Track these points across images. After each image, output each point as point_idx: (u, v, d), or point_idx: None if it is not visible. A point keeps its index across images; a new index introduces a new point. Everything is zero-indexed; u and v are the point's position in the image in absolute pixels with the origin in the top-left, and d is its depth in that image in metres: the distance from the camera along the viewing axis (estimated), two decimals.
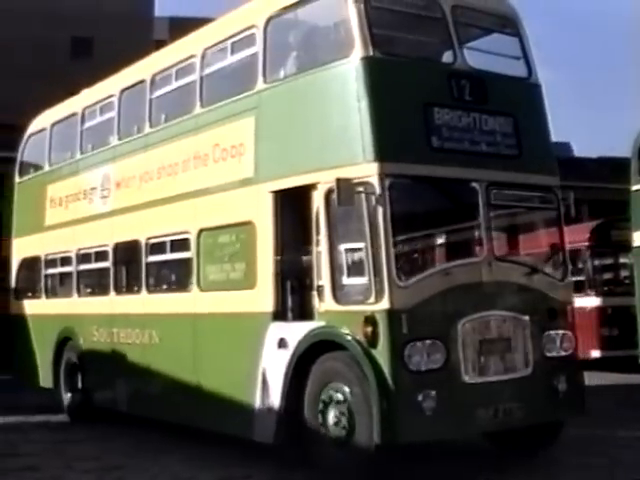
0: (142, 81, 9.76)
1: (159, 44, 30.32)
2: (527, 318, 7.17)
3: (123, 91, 10.22)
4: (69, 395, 11.00)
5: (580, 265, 15.01)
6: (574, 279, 14.55)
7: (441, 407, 6.53)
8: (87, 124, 11.04)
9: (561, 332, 7.45)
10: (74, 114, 11.34)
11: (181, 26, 14.92)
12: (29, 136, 12.74)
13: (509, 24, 7.97)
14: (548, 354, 7.33)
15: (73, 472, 7.62)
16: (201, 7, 30.93)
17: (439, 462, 7.62)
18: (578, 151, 36.39)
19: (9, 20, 31.34)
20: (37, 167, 12.39)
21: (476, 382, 6.83)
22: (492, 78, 7.50)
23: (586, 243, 14.97)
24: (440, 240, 7.56)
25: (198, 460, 8.01)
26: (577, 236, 15.31)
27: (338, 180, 6.59)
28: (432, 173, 6.89)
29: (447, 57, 7.45)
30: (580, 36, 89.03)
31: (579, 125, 74.90)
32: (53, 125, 12.00)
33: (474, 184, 7.09)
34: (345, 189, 6.57)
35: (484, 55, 7.71)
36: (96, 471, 7.60)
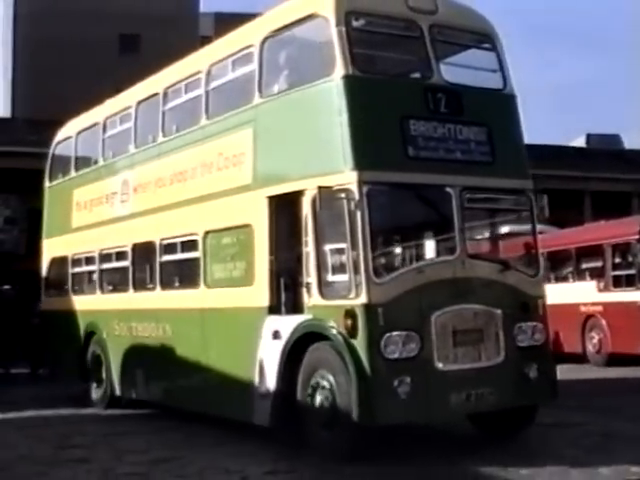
0: (156, 94, 10.60)
1: (204, 40, 31.04)
2: (499, 311, 7.85)
3: (139, 103, 11.07)
4: (94, 386, 11.91)
5: (630, 259, 15.14)
6: (623, 273, 15.26)
7: (415, 392, 7.26)
8: (108, 133, 11.93)
9: (532, 324, 8.11)
10: (97, 123, 12.24)
11: (226, 22, 15.51)
12: (57, 143, 13.69)
13: (486, 40, 8.65)
14: (520, 344, 8.00)
15: (123, 464, 7.68)
16: (246, 2, 31.33)
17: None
18: (629, 144, 36.71)
19: (58, 18, 32.45)
20: (64, 173, 13.30)
21: (449, 369, 7.54)
22: (467, 91, 8.19)
23: (636, 237, 14.88)
24: (416, 241, 8.26)
25: (246, 454, 8.03)
26: (626, 229, 15.40)
27: (319, 187, 7.38)
28: (408, 180, 7.61)
29: (425, 73, 8.13)
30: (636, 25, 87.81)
31: (631, 117, 74.34)
32: (78, 133, 12.92)
33: (448, 189, 7.79)
34: (326, 196, 7.36)
35: (461, 69, 8.41)
36: (145, 464, 7.62)
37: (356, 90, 7.60)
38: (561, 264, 17.57)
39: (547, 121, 67.53)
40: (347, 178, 7.42)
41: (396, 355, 7.27)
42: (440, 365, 7.50)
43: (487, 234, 8.53)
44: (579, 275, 16.94)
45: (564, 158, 31.06)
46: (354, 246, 7.35)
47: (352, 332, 7.30)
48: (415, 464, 7.34)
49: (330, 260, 7.70)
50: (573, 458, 7.46)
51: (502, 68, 8.57)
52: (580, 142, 37.02)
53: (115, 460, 7.82)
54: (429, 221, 8.18)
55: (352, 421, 7.26)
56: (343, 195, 7.40)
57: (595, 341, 16.25)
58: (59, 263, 13.27)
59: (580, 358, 16.40)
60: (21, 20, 34.52)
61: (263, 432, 8.31)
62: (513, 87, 8.58)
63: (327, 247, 7.72)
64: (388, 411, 7.25)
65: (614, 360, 15.60)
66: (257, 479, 6.80)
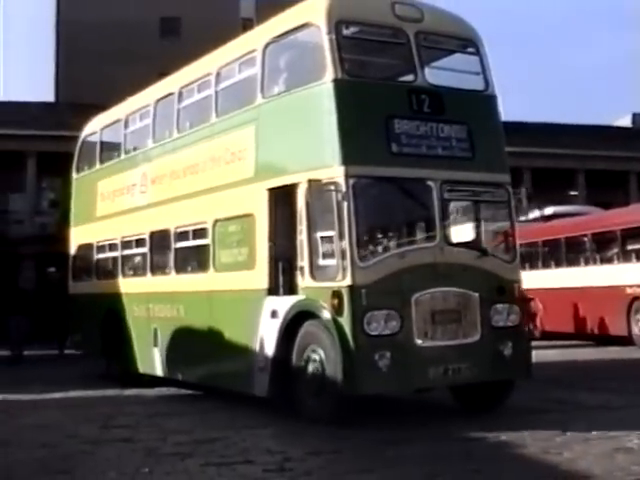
0: (172, 93, 11.51)
1: (246, 22, 31.66)
2: (476, 294, 8.64)
3: (157, 101, 11.98)
4: (114, 363, 12.88)
5: None
6: None
7: (395, 365, 8.09)
8: (129, 128, 12.88)
9: (508, 306, 8.89)
10: (119, 120, 13.19)
11: (267, 4, 15.90)
12: (84, 138, 14.67)
13: (469, 44, 9.42)
14: (495, 324, 8.78)
15: (166, 444, 7.72)
16: None
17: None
18: None
19: (100, 2, 33.11)
20: (90, 165, 14.29)
21: (428, 346, 8.35)
22: (449, 92, 8.97)
23: None
24: (399, 229, 9.04)
25: (289, 435, 8.23)
26: None
27: (310, 180, 8.23)
28: (391, 174, 8.42)
29: (410, 76, 8.92)
30: None
31: None
32: (103, 129, 13.89)
33: (429, 182, 8.59)
34: (315, 188, 8.21)
35: (446, 72, 9.21)
36: (188, 444, 7.67)
37: (345, 92, 8.42)
38: (606, 246, 17.81)
39: (593, 101, 67.15)
40: (335, 172, 8.25)
41: (378, 332, 8.09)
42: (419, 341, 8.31)
43: (466, 223, 9.29)
44: (625, 257, 17.03)
45: (609, 138, 31.40)
46: (341, 234, 8.19)
47: (338, 311, 8.14)
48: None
49: (321, 246, 8.54)
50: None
51: (484, 70, 9.34)
52: (626, 121, 37.01)
53: (159, 440, 7.91)
54: (411, 211, 8.99)
55: (337, 390, 8.11)
56: (332, 187, 8.23)
57: None
58: (85, 250, 14.27)
59: (626, 340, 16.75)
60: (64, 4, 35.28)
61: (306, 415, 8.60)
62: (494, 88, 9.34)
63: (318, 234, 8.55)
64: (369, 381, 8.09)
65: None
66: (300, 459, 6.89)
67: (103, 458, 7.23)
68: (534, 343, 17.53)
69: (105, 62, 31.93)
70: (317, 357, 8.45)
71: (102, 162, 13.84)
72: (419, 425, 8.38)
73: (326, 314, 8.27)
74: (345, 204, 8.16)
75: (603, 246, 17.91)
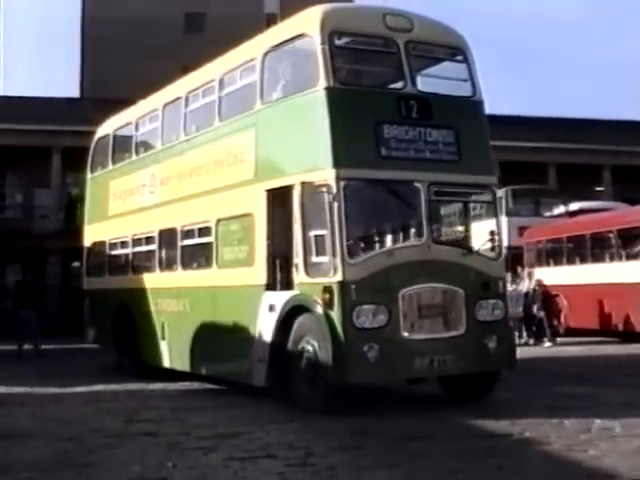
0: (179, 98, 12.08)
1: (270, 18, 31.97)
2: (461, 289, 9.14)
3: (165, 105, 12.57)
4: (125, 355, 13.50)
5: None
6: None
7: (383, 356, 8.61)
8: (140, 131, 13.48)
9: (492, 301, 9.39)
10: (130, 122, 13.80)
11: None
12: (98, 139, 15.29)
13: (458, 53, 9.92)
14: (480, 319, 9.28)
15: (189, 439, 7.77)
16: None
17: (423, 409, 9.50)
18: None
19: None
20: (103, 165, 14.91)
21: (414, 338, 8.87)
22: (437, 98, 9.48)
23: None
24: (387, 228, 9.56)
25: (312, 431, 8.24)
26: None
27: (302, 183, 8.77)
28: (380, 176, 8.95)
29: (399, 84, 9.43)
30: None
31: None
32: (115, 131, 14.50)
33: (417, 184, 9.11)
34: (308, 189, 8.75)
35: (435, 79, 9.73)
36: (212, 438, 7.73)
37: (336, 100, 8.95)
38: (631, 242, 18.01)
39: (620, 96, 67.24)
40: (327, 175, 8.79)
41: (366, 325, 8.63)
42: (406, 334, 8.83)
43: (453, 223, 9.80)
44: None
45: (636, 133, 31.41)
46: (333, 233, 8.73)
47: (329, 305, 8.69)
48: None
49: (314, 244, 9.07)
50: None
51: (472, 77, 9.83)
52: None
53: (183, 435, 7.99)
54: (400, 211, 9.51)
55: (328, 379, 8.66)
56: (324, 189, 8.77)
57: None
58: (98, 247, 14.91)
59: None
60: (89, 1, 35.93)
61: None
62: (482, 94, 9.84)
63: (312, 233, 9.09)
64: (358, 372, 8.63)
65: None
66: (323, 455, 6.98)
67: (127, 452, 7.36)
68: (559, 340, 18.43)
69: (130, 58, 32.23)
70: (310, 348, 8.99)
71: (114, 163, 14.45)
72: (438, 420, 8.56)
73: (318, 308, 8.82)
74: (336, 205, 8.69)
75: (629, 242, 18.04)
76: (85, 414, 9.58)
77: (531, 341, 18.33)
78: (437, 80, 9.75)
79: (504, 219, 22.16)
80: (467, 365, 9.18)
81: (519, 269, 19.23)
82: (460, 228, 9.83)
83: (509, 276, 17.68)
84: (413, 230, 9.34)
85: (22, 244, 27.02)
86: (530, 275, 19.24)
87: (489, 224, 9.73)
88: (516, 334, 17.48)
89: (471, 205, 9.97)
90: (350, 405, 8.86)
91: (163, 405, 10.06)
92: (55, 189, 28.63)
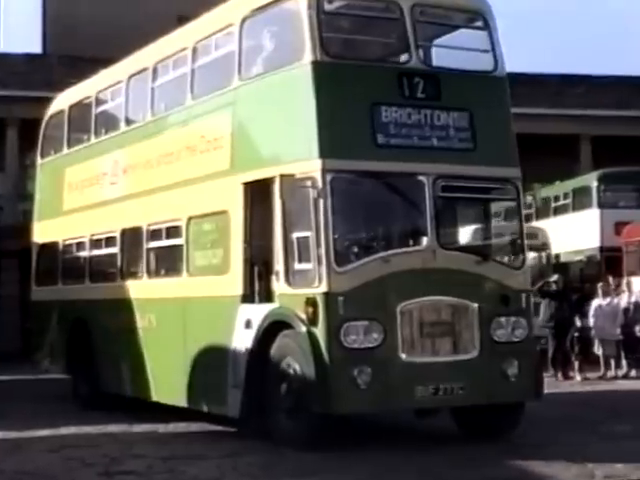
0: (146, 69, 13.08)
1: None
2: (473, 304, 10.04)
3: (130, 77, 13.57)
4: (81, 381, 14.51)
5: None
6: None
7: (377, 382, 9.53)
8: (100, 108, 14.52)
9: (513, 319, 10.28)
10: (89, 97, 14.83)
11: None
12: (50, 117, 16.35)
13: (477, 18, 10.84)
14: (498, 339, 10.18)
15: None
16: None
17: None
18: None
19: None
20: (57, 149, 15.96)
21: (415, 361, 9.79)
22: (449, 74, 10.41)
23: None
24: (384, 230, 10.50)
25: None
26: None
27: (281, 175, 9.73)
28: (376, 168, 9.88)
29: (403, 56, 10.36)
30: None
31: None
32: (71, 107, 15.54)
33: (421, 177, 10.02)
34: (288, 184, 9.69)
35: (447, 51, 10.64)
36: None
37: (324, 76, 9.90)
38: None
39: None
40: (312, 166, 9.74)
41: (356, 344, 9.56)
42: (404, 356, 9.75)
43: (465, 224, 10.71)
44: None
45: None
46: (317, 235, 9.67)
47: (313, 320, 9.63)
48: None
49: (297, 248, 10.02)
50: None
51: (494, 48, 10.73)
52: None
53: None
54: (399, 210, 10.45)
55: (311, 409, 9.59)
56: (308, 183, 9.71)
57: None
58: (50, 250, 15.93)
59: None
60: None
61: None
62: (504, 68, 10.72)
63: (294, 235, 10.03)
64: (347, 400, 9.56)
65: None
66: None
67: None
68: None
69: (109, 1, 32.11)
70: (292, 372, 9.93)
71: (70, 146, 15.48)
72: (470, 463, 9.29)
73: (300, 324, 9.76)
74: (322, 202, 9.63)
75: None
76: (50, 465, 9.59)
77: (633, 372, 18.25)
78: (450, 52, 10.70)
79: (595, 212, 23.15)
80: (480, 395, 10.07)
81: (611, 278, 19.53)
82: (473, 230, 10.71)
83: (599, 287, 18.45)
84: (415, 232, 10.24)
85: None
86: (629, 285, 19.27)
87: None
88: (612, 362, 18.20)
89: (491, 203, 10.82)
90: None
91: (151, 452, 10.16)
92: (11, 173, 28.46)
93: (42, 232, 16.34)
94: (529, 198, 26.94)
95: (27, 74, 28.53)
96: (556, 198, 26.10)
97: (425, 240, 10.02)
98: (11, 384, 18.05)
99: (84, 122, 14.98)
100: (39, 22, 36.21)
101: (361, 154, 9.88)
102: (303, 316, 9.74)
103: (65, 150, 15.63)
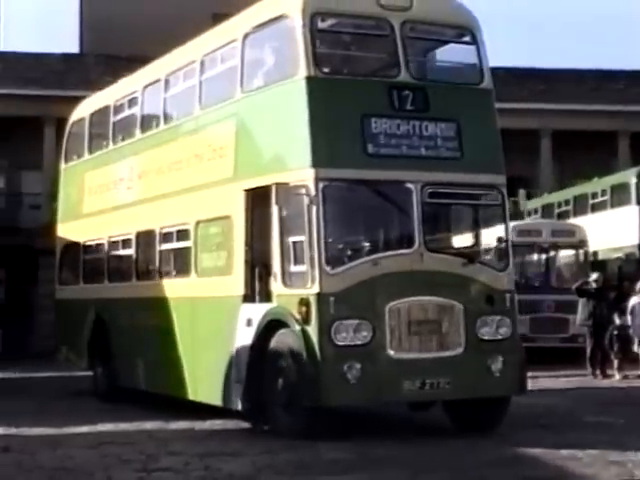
0: (159, 80, 13.86)
1: None
2: (458, 303, 10.70)
3: (145, 87, 14.36)
4: (101, 376, 15.34)
5: None
6: None
7: (366, 377, 10.22)
8: (117, 116, 15.31)
9: (498, 317, 10.93)
10: (107, 106, 15.63)
11: None
12: (72, 124, 17.22)
13: (465, 33, 11.48)
14: (482, 337, 10.83)
15: None
16: None
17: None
18: None
19: None
20: (79, 154, 16.82)
21: (402, 358, 10.47)
22: (436, 87, 11.08)
23: None
24: (374, 234, 11.18)
25: None
26: None
27: (276, 184, 10.44)
28: (366, 176, 10.56)
29: (392, 71, 11.01)
30: None
31: None
32: (92, 115, 16.36)
33: (409, 184, 10.69)
34: (281, 192, 10.41)
35: (435, 65, 11.31)
36: None
37: (318, 91, 10.59)
38: None
39: None
40: (305, 175, 10.45)
41: (346, 342, 10.25)
42: (392, 353, 10.42)
43: (452, 228, 11.37)
44: None
45: None
46: (310, 239, 10.37)
47: (306, 319, 10.33)
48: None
49: (292, 252, 10.73)
50: None
51: (480, 61, 11.38)
52: None
53: None
54: (389, 216, 11.13)
55: (304, 403, 10.30)
56: (302, 191, 10.42)
57: None
58: (72, 250, 16.82)
59: None
60: None
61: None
62: (490, 81, 11.37)
63: (290, 239, 10.74)
64: (337, 394, 10.26)
65: None
66: None
67: None
68: None
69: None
70: (288, 368, 10.63)
71: (91, 152, 16.31)
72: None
73: (294, 323, 10.47)
74: (315, 209, 10.33)
75: None
76: (88, 462, 9.70)
77: None
78: (438, 65, 11.37)
79: (634, 209, 23.29)
80: (466, 389, 10.73)
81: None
82: (460, 234, 11.36)
83: (638, 284, 18.31)
84: (404, 237, 10.93)
85: (6, 242, 27.45)
86: None
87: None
88: None
89: (477, 208, 11.46)
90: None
91: (188, 450, 10.31)
92: (48, 172, 27.77)
93: (65, 233, 17.23)
94: (567, 196, 27.70)
95: (64, 73, 29.38)
96: (594, 195, 26.15)
97: (413, 244, 10.68)
98: (49, 381, 18.60)
99: (103, 129, 15.84)
100: (76, 22, 36.95)
101: (352, 163, 10.57)
102: (297, 315, 10.44)
103: (86, 156, 16.46)
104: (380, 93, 10.85)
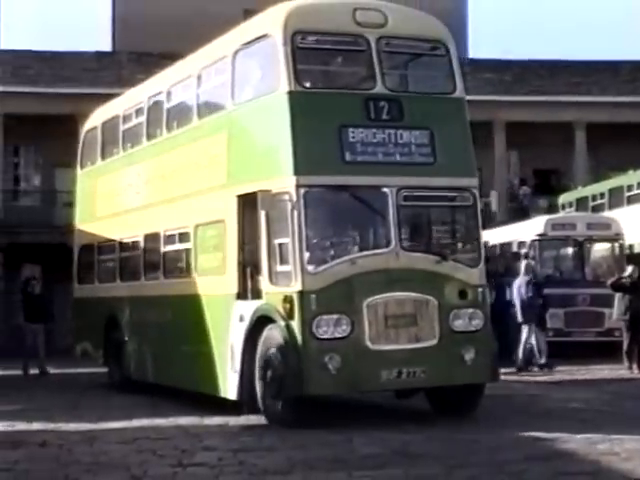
0: (161, 92, 14.85)
1: None
2: (433, 298, 11.58)
3: (150, 98, 15.37)
4: (115, 369, 16.39)
5: None
6: None
7: (346, 367, 11.13)
8: (126, 125, 16.33)
9: (470, 310, 11.82)
10: (117, 115, 16.66)
11: None
12: (86, 132, 18.30)
13: (438, 45, 12.35)
14: (456, 329, 11.71)
15: None
16: None
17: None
18: None
19: None
20: (93, 161, 17.89)
21: (380, 349, 11.36)
22: (410, 98, 11.98)
23: None
24: (352, 236, 12.11)
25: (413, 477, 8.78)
26: None
27: (260, 191, 11.38)
28: (344, 182, 11.47)
29: (369, 84, 11.90)
30: None
31: None
32: (103, 123, 17.41)
33: (385, 189, 11.59)
34: (264, 198, 11.34)
35: (409, 77, 12.22)
36: None
37: (298, 104, 11.51)
38: None
39: None
40: (287, 182, 11.37)
41: (327, 335, 11.17)
42: (370, 344, 11.32)
43: (427, 229, 12.28)
44: None
45: None
46: (293, 241, 11.30)
47: (290, 315, 11.26)
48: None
49: (278, 253, 11.66)
50: None
51: (452, 72, 12.25)
52: None
53: None
54: (366, 218, 12.03)
55: (289, 392, 11.24)
56: (285, 197, 11.35)
57: None
58: (88, 251, 17.89)
59: None
60: None
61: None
62: (462, 90, 12.24)
63: (276, 241, 11.67)
64: (319, 383, 11.19)
65: None
66: None
67: None
68: None
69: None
70: (275, 360, 11.58)
71: (103, 158, 17.37)
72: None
73: (279, 318, 11.41)
74: (296, 213, 11.25)
75: None
76: (124, 457, 9.87)
77: None
78: (413, 77, 12.27)
79: None
80: (440, 377, 11.64)
81: None
82: (433, 234, 12.27)
83: None
84: (380, 237, 11.84)
85: (41, 239, 28.16)
86: None
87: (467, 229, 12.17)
88: None
89: (450, 209, 12.35)
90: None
91: (222, 445, 10.46)
92: None
93: (81, 235, 18.30)
94: (602, 188, 27.67)
95: (97, 71, 30.09)
96: (629, 187, 26.07)
97: (389, 244, 11.57)
98: (83, 376, 19.19)
99: (114, 137, 16.87)
100: (109, 20, 37.89)
101: (331, 170, 11.48)
102: (282, 311, 11.36)
103: (99, 162, 17.53)
104: (357, 105, 11.74)
